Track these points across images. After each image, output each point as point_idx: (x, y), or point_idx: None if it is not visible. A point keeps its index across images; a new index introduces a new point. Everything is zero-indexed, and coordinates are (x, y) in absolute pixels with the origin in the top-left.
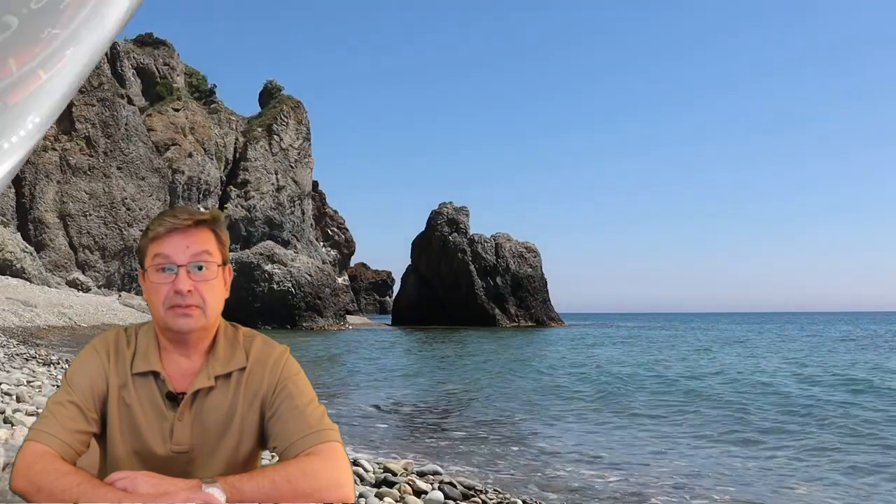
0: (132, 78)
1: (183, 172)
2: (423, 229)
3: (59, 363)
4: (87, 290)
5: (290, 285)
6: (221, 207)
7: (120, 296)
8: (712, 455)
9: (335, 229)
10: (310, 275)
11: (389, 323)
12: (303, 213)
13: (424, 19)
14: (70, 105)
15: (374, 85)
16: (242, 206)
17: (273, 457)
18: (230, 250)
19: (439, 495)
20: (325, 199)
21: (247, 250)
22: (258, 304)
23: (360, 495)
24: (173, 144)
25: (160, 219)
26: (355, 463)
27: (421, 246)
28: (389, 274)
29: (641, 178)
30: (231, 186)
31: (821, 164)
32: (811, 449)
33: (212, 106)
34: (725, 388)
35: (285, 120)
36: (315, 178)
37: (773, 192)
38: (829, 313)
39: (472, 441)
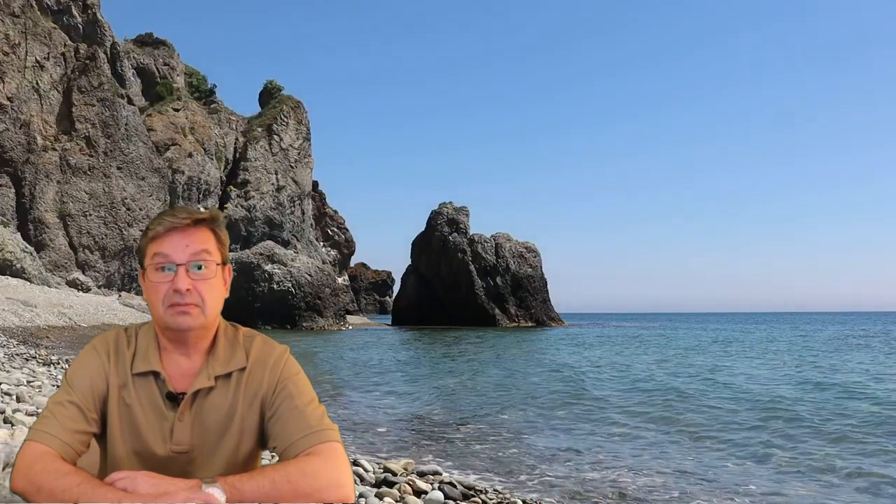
0: (132, 78)
1: (183, 172)
2: (423, 229)
3: (59, 363)
4: (87, 290)
5: (290, 285)
6: (221, 207)
7: (120, 296)
8: (714, 458)
9: (335, 229)
10: (310, 275)
11: (389, 323)
12: (303, 213)
13: (424, 19)
14: (70, 105)
15: (374, 85)
16: (242, 206)
17: (273, 457)
18: (230, 250)
19: (439, 495)
20: (325, 199)
21: (247, 250)
22: (258, 304)
23: (360, 495)
24: (173, 144)
25: (160, 218)
26: (355, 463)
27: (421, 246)
28: (389, 274)
29: (641, 178)
30: (231, 186)
31: (821, 164)
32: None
33: (212, 106)
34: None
35: (285, 120)
36: (315, 178)
37: (773, 192)
38: (830, 313)
39: (471, 441)
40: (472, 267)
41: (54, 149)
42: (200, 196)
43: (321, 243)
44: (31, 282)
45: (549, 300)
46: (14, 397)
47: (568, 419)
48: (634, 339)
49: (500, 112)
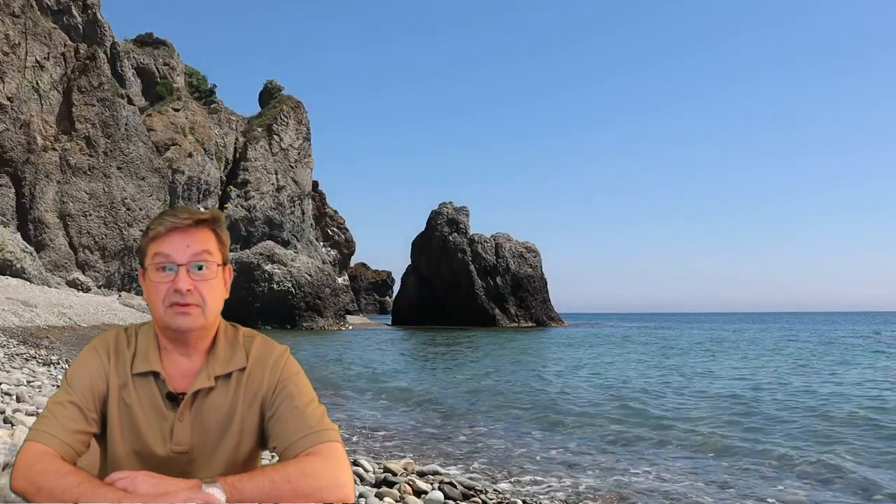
0: (132, 78)
1: (183, 172)
2: (423, 229)
3: (59, 363)
4: (87, 290)
5: (290, 285)
6: (221, 207)
7: (120, 296)
8: (725, 466)
9: (335, 229)
10: (310, 275)
11: (389, 323)
12: (303, 213)
13: (424, 19)
14: (70, 105)
15: (374, 84)
16: (242, 206)
17: (273, 457)
18: (230, 250)
19: (439, 495)
20: (325, 199)
21: (247, 250)
22: (258, 304)
23: (360, 495)
24: (173, 144)
25: (161, 218)
26: (355, 463)
27: (421, 246)
28: (389, 274)
29: (641, 178)
30: (231, 186)
31: (821, 164)
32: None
33: (212, 106)
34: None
35: (285, 120)
36: (315, 178)
37: (773, 192)
38: (830, 313)
39: (472, 441)
40: (472, 267)
41: (54, 149)
42: (200, 196)
43: (321, 243)
44: (31, 282)
45: (549, 300)
46: (14, 397)
47: (570, 423)
48: (628, 339)
49: (500, 112)
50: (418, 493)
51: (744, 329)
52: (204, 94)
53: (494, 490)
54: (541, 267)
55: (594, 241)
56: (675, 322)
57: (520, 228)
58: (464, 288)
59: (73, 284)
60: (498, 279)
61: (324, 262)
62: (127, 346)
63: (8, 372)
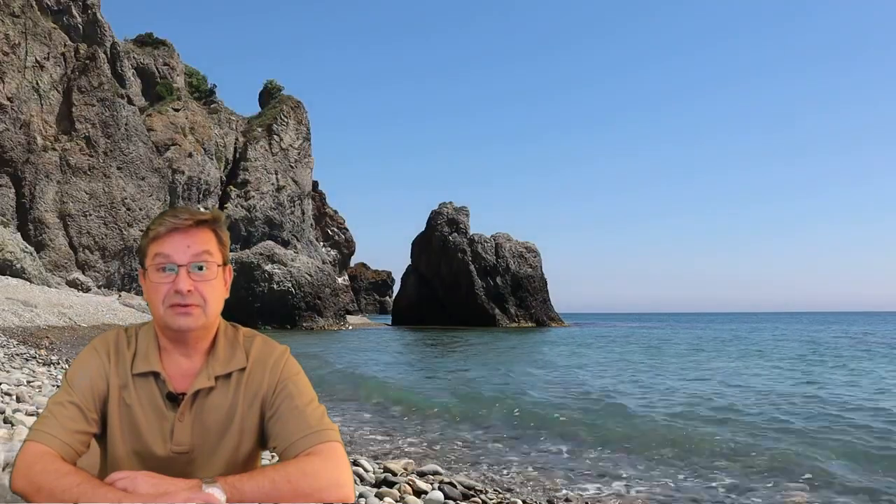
0: (132, 78)
1: (183, 172)
2: (423, 229)
3: (59, 363)
4: (87, 290)
5: (290, 285)
6: (221, 207)
7: (120, 296)
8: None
9: (335, 229)
10: (310, 275)
11: (389, 323)
12: (303, 213)
13: (424, 19)
14: (70, 105)
15: (374, 84)
16: (242, 206)
17: (273, 457)
18: (230, 250)
19: (439, 495)
20: (325, 199)
21: (247, 250)
22: (258, 304)
23: (360, 495)
24: (173, 144)
25: (161, 218)
26: (355, 463)
27: (421, 246)
28: (389, 274)
29: (641, 178)
30: (231, 186)
31: (821, 164)
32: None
33: (212, 106)
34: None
35: (285, 120)
36: (315, 178)
37: (773, 192)
38: (830, 313)
39: (471, 441)
40: (472, 267)
41: (54, 149)
42: (200, 196)
43: (321, 243)
44: (31, 282)
45: (549, 300)
46: (14, 397)
47: (568, 422)
48: (628, 339)
49: (500, 112)
50: (418, 493)
51: (741, 329)
52: (204, 94)
53: (494, 490)
54: (541, 267)
55: (594, 241)
56: (675, 322)
57: (520, 228)
58: (464, 288)
59: (73, 284)
60: (498, 279)
61: (324, 262)
62: (127, 346)
63: (8, 372)
